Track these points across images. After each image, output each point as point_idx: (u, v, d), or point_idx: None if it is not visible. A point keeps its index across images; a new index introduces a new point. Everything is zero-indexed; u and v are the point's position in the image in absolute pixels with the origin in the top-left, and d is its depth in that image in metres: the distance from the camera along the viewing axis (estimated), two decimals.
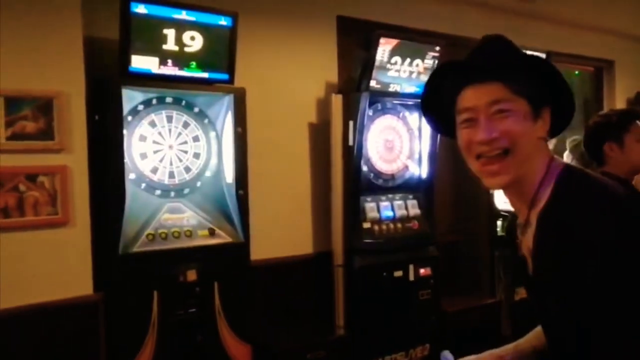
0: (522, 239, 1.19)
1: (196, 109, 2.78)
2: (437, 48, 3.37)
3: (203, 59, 2.64)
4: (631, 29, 5.10)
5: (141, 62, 2.49)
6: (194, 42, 2.60)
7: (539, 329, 1.36)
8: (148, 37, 2.49)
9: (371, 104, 3.24)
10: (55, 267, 2.40)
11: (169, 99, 2.70)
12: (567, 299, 1.06)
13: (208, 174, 2.83)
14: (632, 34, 5.24)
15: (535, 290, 1.18)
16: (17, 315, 2.30)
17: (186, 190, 2.76)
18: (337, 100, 3.23)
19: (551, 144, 1.51)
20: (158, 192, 2.69)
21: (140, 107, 2.63)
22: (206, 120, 2.81)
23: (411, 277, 3.35)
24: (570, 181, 1.10)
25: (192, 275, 2.61)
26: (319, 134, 3.38)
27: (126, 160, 2.53)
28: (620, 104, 5.26)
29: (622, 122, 2.28)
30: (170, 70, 2.57)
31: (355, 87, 3.24)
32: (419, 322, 3.38)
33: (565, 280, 1.04)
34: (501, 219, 3.93)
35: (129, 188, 2.53)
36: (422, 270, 3.37)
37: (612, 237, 1.00)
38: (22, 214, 2.33)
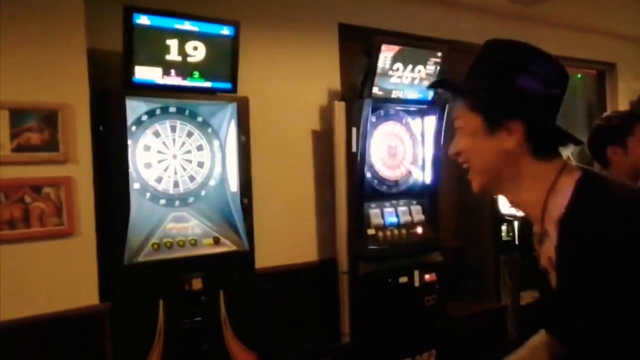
0: (540, 250, 1.17)
1: (200, 119, 2.79)
2: (439, 54, 3.38)
3: (206, 69, 2.66)
4: (633, 31, 5.10)
5: (145, 73, 2.51)
6: (197, 52, 2.62)
7: (534, 344, 1.33)
8: (151, 47, 2.51)
9: (374, 110, 3.25)
10: (61, 277, 2.41)
11: (172, 109, 2.71)
12: (598, 308, 1.03)
13: (212, 182, 2.83)
14: (634, 36, 5.24)
15: (561, 304, 1.13)
16: (23, 326, 2.30)
17: (191, 199, 2.77)
18: (340, 108, 3.24)
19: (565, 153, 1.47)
20: (163, 201, 2.69)
21: (144, 117, 2.64)
22: (210, 130, 2.82)
23: (416, 283, 3.34)
24: (590, 188, 1.08)
25: (197, 284, 2.62)
26: (322, 141, 3.39)
27: (131, 170, 2.55)
28: (623, 106, 5.24)
29: (624, 125, 2.27)
30: (173, 80, 2.59)
31: (358, 94, 3.24)
32: (425, 328, 3.37)
33: (594, 289, 1.02)
34: (505, 223, 3.93)
35: (134, 198, 2.54)
36: (427, 276, 3.37)
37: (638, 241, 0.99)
38: (27, 225, 2.34)
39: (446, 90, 1.24)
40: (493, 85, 1.12)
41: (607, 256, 0.99)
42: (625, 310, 1.00)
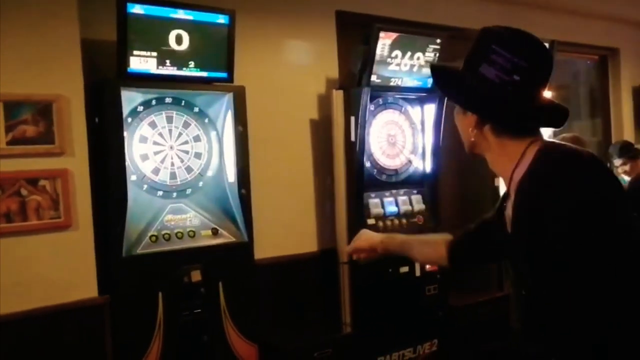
0: (505, 214, 1.36)
1: (196, 109, 2.76)
2: (438, 40, 3.33)
3: (201, 58, 2.63)
4: (636, 16, 5.04)
5: (139, 63, 2.48)
6: (192, 41, 2.59)
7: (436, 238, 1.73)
8: (145, 37, 2.48)
9: (372, 98, 3.22)
10: (59, 270, 2.40)
11: (168, 99, 2.68)
12: (540, 248, 1.20)
13: (210, 173, 2.81)
14: (637, 21, 5.18)
15: (512, 248, 1.31)
16: (22, 320, 2.29)
17: (188, 191, 2.75)
18: (338, 96, 3.21)
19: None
20: (160, 193, 2.67)
21: (140, 108, 2.62)
22: (206, 120, 2.79)
23: (417, 273, 3.32)
24: (546, 155, 1.24)
25: (196, 276, 2.60)
26: (321, 130, 3.36)
27: (127, 162, 2.52)
28: (625, 92, 5.21)
29: None
30: (169, 70, 2.56)
31: (356, 82, 3.20)
32: (426, 318, 3.36)
33: (538, 236, 1.19)
34: None
35: (131, 190, 2.52)
36: (428, 266, 3.35)
37: (582, 195, 1.16)
38: (24, 219, 2.33)
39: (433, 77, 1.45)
40: (464, 72, 1.28)
41: (550, 210, 1.16)
42: (561, 252, 1.17)
